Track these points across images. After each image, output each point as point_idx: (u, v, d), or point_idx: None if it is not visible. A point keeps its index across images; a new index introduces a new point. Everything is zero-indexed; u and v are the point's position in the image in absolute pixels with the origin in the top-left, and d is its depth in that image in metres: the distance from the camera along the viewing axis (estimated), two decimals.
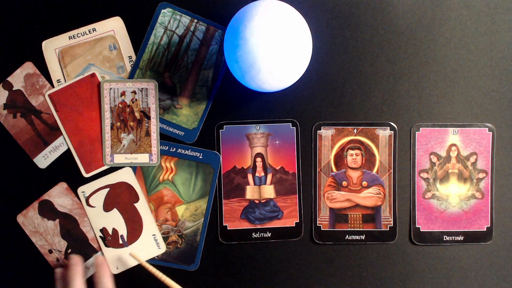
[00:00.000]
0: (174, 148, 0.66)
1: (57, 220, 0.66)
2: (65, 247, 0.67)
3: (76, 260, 0.64)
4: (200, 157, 0.66)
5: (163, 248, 0.67)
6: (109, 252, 0.67)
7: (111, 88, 0.66)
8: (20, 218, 0.66)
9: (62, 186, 0.66)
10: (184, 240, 0.67)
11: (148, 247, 0.67)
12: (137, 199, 0.67)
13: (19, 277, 0.67)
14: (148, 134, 0.66)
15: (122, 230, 0.67)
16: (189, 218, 0.67)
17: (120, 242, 0.67)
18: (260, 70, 0.57)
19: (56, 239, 0.66)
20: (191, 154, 0.66)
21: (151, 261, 0.67)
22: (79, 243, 0.67)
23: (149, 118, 0.66)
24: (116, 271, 0.67)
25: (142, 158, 0.66)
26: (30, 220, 0.66)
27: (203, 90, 0.66)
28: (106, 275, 0.63)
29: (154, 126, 0.66)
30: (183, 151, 0.66)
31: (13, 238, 0.67)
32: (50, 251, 0.66)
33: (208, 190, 0.67)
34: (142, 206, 0.67)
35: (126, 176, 0.66)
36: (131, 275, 0.67)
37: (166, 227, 0.67)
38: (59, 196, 0.66)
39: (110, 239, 0.67)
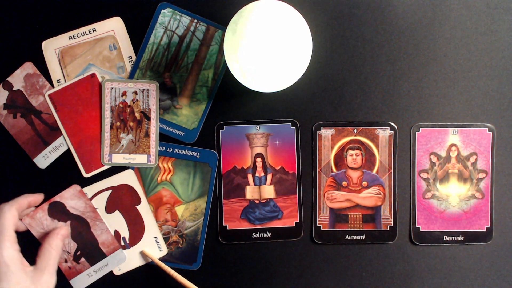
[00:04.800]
0: (171, 149, 0.66)
1: (69, 222, 0.66)
2: (75, 249, 0.66)
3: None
4: (197, 156, 0.66)
5: (164, 251, 0.67)
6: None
7: (112, 88, 0.66)
8: (26, 220, 0.65)
9: (75, 189, 0.65)
10: (185, 240, 0.67)
11: (149, 250, 0.67)
12: (139, 201, 0.66)
13: None
14: (147, 135, 0.66)
15: (124, 232, 0.67)
16: (189, 217, 0.67)
17: (122, 244, 0.67)
18: (260, 70, 0.57)
19: (66, 240, 0.66)
20: (188, 153, 0.66)
21: (153, 263, 0.67)
22: (88, 246, 0.66)
23: (149, 119, 0.66)
24: (118, 273, 0.67)
25: (140, 159, 0.66)
26: (38, 221, 0.65)
27: (203, 90, 0.66)
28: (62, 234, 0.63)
29: (154, 128, 0.66)
30: (180, 151, 0.66)
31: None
32: None
33: (207, 189, 0.67)
34: (144, 209, 0.67)
35: (128, 178, 0.66)
36: (132, 277, 0.67)
37: (166, 227, 0.67)
38: (71, 198, 0.66)
39: None
